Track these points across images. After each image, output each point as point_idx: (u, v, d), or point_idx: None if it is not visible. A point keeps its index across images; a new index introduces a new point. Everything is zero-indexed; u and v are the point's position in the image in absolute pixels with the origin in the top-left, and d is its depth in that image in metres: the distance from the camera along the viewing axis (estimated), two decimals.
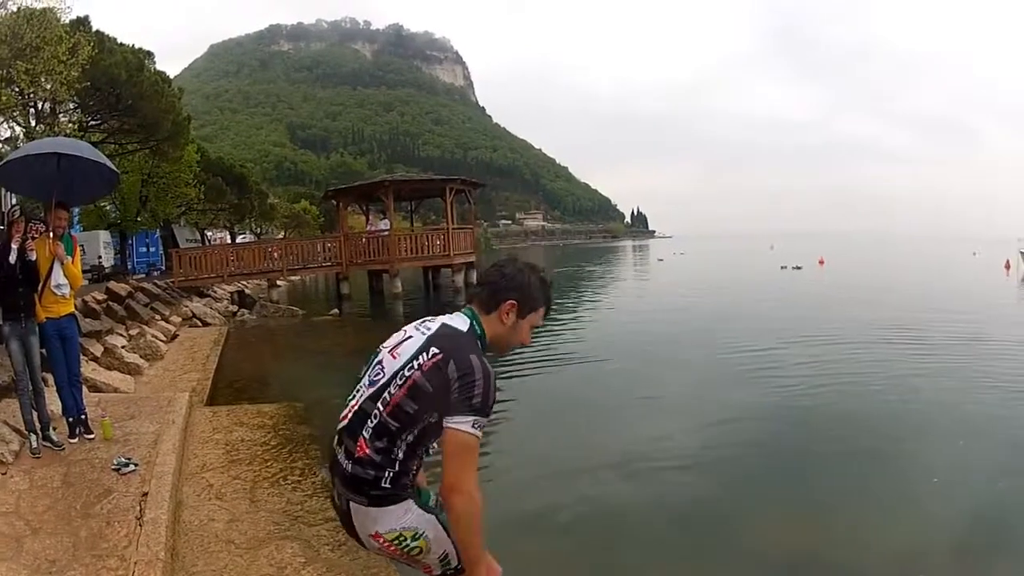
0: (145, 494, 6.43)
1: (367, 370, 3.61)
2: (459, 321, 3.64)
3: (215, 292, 34.06)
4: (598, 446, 10.49)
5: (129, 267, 34.15)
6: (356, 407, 3.50)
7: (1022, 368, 16.54)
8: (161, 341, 17.79)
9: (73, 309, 8.18)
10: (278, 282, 38.35)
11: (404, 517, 3.45)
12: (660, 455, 9.79)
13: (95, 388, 11.50)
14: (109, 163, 8.24)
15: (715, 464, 9.35)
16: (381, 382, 3.45)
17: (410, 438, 3.38)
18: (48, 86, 21.90)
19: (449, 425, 3.27)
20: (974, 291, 37.75)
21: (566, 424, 11.69)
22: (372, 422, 3.38)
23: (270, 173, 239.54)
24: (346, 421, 3.52)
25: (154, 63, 30.28)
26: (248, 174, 55.89)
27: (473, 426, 3.27)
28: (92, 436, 8.16)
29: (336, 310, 30.40)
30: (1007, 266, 50.20)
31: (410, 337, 3.57)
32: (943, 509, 8.04)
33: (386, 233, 36.82)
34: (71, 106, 25.06)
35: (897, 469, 9.48)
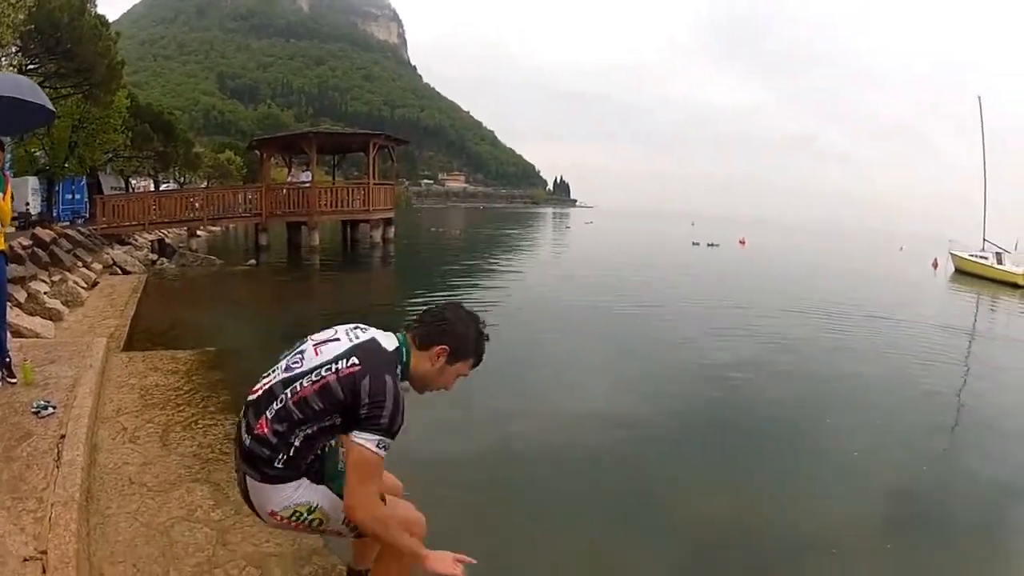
0: (63, 436, 6.51)
1: (288, 354, 3.76)
2: (389, 341, 3.74)
3: (136, 240, 33.58)
4: (516, 409, 10.66)
5: (55, 214, 33.62)
6: (267, 386, 3.63)
7: (935, 347, 17.32)
8: (82, 288, 17.73)
9: (3, 247, 8.17)
10: (198, 232, 38.05)
11: (295, 493, 3.63)
12: (576, 419, 10.09)
13: (18, 333, 11.50)
14: (48, 103, 8.24)
15: (633, 434, 9.56)
16: (296, 371, 3.58)
17: (309, 431, 3.53)
18: None
19: (355, 440, 3.42)
20: (897, 282, 38.58)
21: (483, 388, 11.76)
22: (277, 405, 3.51)
23: (198, 122, 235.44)
24: (254, 397, 3.66)
25: (95, 6, 29.87)
26: (176, 122, 55.04)
27: (378, 445, 3.41)
28: (15, 381, 8.17)
29: (253, 260, 30.41)
30: (935, 264, 51.11)
31: (337, 339, 3.69)
32: (861, 482, 8.44)
33: (307, 185, 36.81)
34: (13, 49, 24.69)
35: (814, 443, 9.90)
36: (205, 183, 69.53)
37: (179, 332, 14.62)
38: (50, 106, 8.32)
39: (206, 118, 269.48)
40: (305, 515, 3.67)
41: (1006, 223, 51.34)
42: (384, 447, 3.44)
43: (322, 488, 3.70)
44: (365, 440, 3.39)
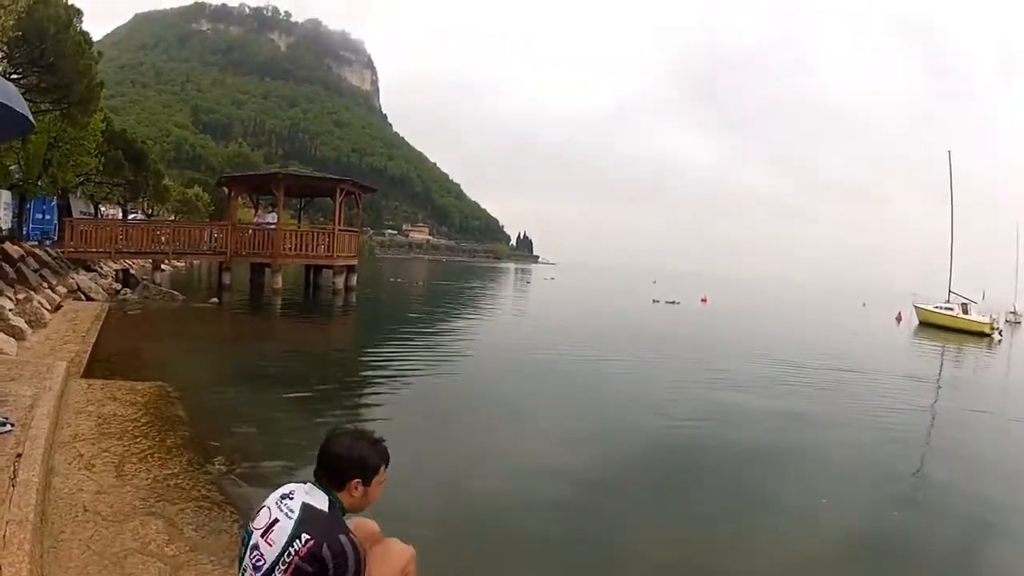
0: (19, 455, 6.44)
1: (245, 552, 3.91)
2: (319, 500, 3.94)
3: (101, 268, 33.23)
4: (474, 460, 10.72)
5: (24, 232, 33.36)
6: None
7: (899, 395, 17.58)
8: (46, 309, 17.59)
9: None
10: (163, 265, 37.83)
11: None
12: (535, 469, 10.06)
13: None
14: (28, 113, 8.16)
15: (594, 481, 9.59)
16: (264, 568, 3.75)
17: None
18: None
19: None
20: (860, 337, 39.03)
21: (440, 437, 11.85)
22: None
23: (169, 154, 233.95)
24: None
25: (81, 22, 29.70)
26: (148, 151, 54.78)
27: None
28: None
29: (216, 299, 30.19)
30: (898, 318, 51.79)
31: (277, 520, 3.86)
32: (828, 531, 8.52)
33: (273, 227, 36.61)
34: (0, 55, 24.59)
35: (778, 490, 10.01)
36: (173, 217, 69.30)
37: (139, 364, 14.54)
38: (31, 117, 8.27)
39: (177, 151, 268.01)
40: None
41: (969, 275, 52.26)
42: None
43: None
44: None
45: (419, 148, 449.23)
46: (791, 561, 7.55)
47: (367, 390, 15.64)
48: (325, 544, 3.68)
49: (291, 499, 3.93)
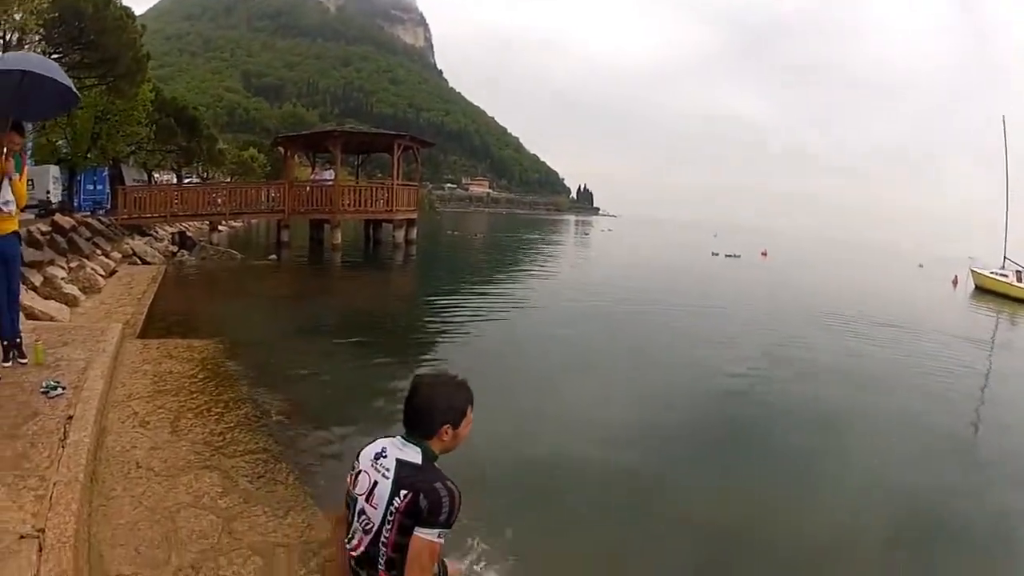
0: (70, 417, 6.42)
1: (353, 517, 3.98)
2: (411, 453, 3.94)
3: (157, 232, 33.40)
4: (536, 411, 10.61)
5: (76, 204, 33.45)
6: (361, 548, 3.90)
7: (956, 357, 17.24)
8: (100, 275, 17.70)
9: (17, 227, 8.08)
10: (220, 226, 37.98)
11: None
12: (587, 422, 9.91)
13: (32, 316, 11.49)
14: (72, 85, 8.12)
15: (645, 436, 9.48)
16: (374, 529, 3.83)
17: None
18: (18, 16, 21.66)
19: (418, 533, 3.67)
20: (918, 297, 38.51)
21: (493, 388, 11.68)
22: (382, 560, 3.80)
23: (222, 119, 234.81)
24: (356, 555, 3.94)
25: None
26: (200, 117, 54.77)
27: (438, 536, 3.68)
28: (25, 361, 8.11)
29: (274, 256, 30.50)
30: (955, 281, 50.94)
31: (376, 483, 3.90)
32: (879, 491, 8.35)
33: (330, 183, 36.70)
34: (36, 38, 24.61)
35: (836, 449, 9.84)
36: (228, 179, 69.46)
37: (196, 322, 14.55)
38: (74, 88, 8.23)
39: (230, 115, 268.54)
40: None
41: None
42: (443, 536, 3.74)
43: None
44: (426, 534, 3.69)
45: (476, 103, 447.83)
46: (841, 525, 7.36)
47: (425, 340, 15.73)
48: (422, 494, 3.71)
49: (384, 457, 3.98)
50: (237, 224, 46.71)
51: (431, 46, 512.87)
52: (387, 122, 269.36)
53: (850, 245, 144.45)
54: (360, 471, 4.01)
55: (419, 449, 3.94)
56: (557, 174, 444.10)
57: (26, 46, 23.82)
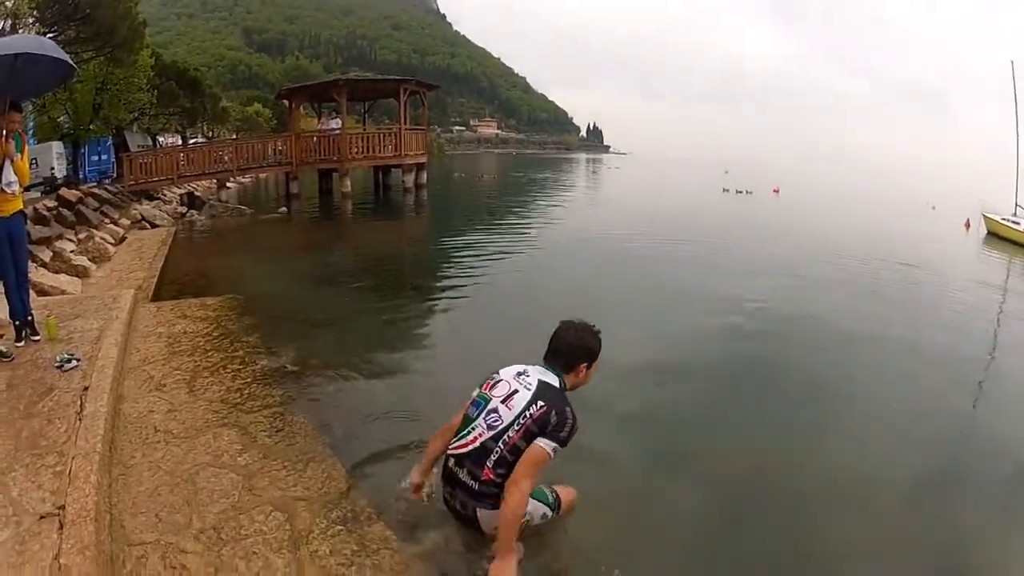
0: (86, 388, 6.48)
1: (479, 413, 4.94)
2: (551, 378, 5.03)
3: (165, 195, 33.26)
4: (539, 349, 10.59)
5: (81, 176, 33.44)
6: (477, 443, 4.82)
7: (970, 299, 17.18)
8: (109, 244, 17.69)
9: (21, 206, 8.11)
10: (228, 183, 37.95)
11: None
12: (612, 361, 9.84)
13: (43, 292, 11.57)
14: (67, 58, 8.09)
15: (659, 378, 9.41)
16: (500, 427, 4.78)
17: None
18: (9, 3, 21.65)
19: (539, 443, 4.69)
20: (930, 239, 38.32)
21: (506, 331, 11.74)
22: (494, 456, 4.75)
23: (224, 77, 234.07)
24: (466, 450, 4.87)
25: None
26: (202, 77, 54.51)
27: (554, 450, 4.70)
28: (38, 338, 8.17)
29: (284, 209, 30.33)
30: (967, 224, 50.73)
31: (516, 391, 4.90)
32: (897, 434, 8.25)
33: (337, 132, 36.56)
34: (30, 21, 24.57)
35: (850, 393, 9.69)
36: (234, 136, 69.31)
37: (209, 280, 14.55)
38: (70, 60, 8.21)
39: (233, 73, 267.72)
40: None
41: None
42: (557, 452, 4.75)
43: (535, 503, 5.05)
44: (546, 444, 4.70)
45: (481, 45, 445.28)
46: (855, 468, 7.22)
47: (438, 285, 15.68)
48: (554, 411, 4.74)
49: (527, 376, 5.04)
50: (245, 180, 46.75)
51: None
52: (392, 68, 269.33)
53: (863, 186, 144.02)
54: (500, 380, 5.09)
55: (557, 377, 5.06)
56: (566, 113, 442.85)
57: (20, 30, 23.78)
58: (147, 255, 16.55)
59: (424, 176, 41.68)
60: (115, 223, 21.23)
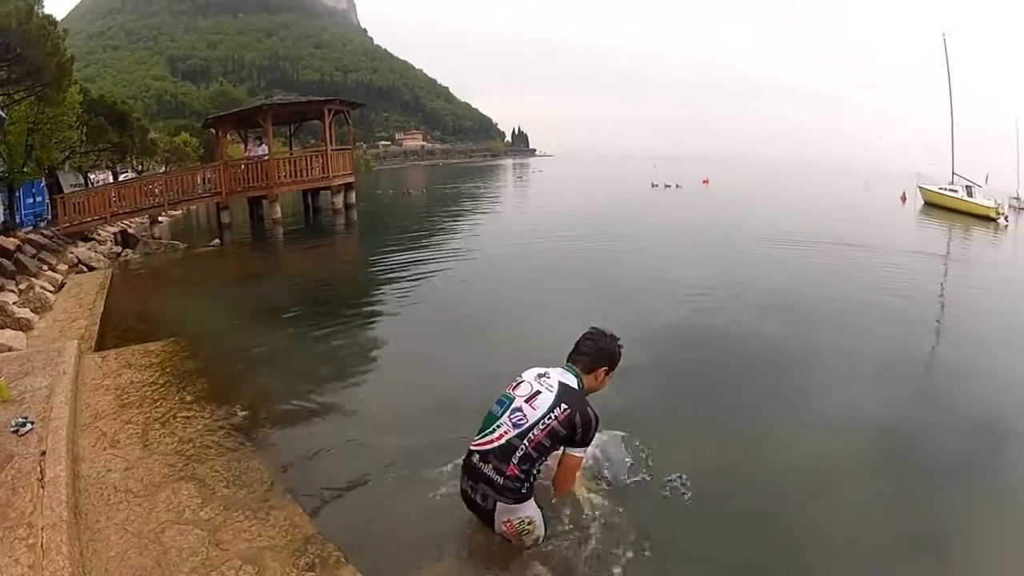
0: (43, 453, 6.51)
1: (503, 412, 5.36)
2: (570, 379, 5.50)
3: (99, 235, 32.83)
4: (486, 360, 10.76)
5: (18, 220, 33.10)
6: (503, 440, 5.23)
7: (911, 272, 17.61)
8: (50, 292, 17.43)
9: None
10: (160, 218, 37.52)
11: (529, 510, 5.29)
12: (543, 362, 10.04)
13: None
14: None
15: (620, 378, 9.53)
16: (525, 425, 5.22)
17: (540, 462, 5.25)
18: None
19: (570, 452, 5.36)
20: (866, 215, 38.95)
21: (451, 343, 12.18)
22: (519, 453, 5.16)
23: (151, 108, 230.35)
24: (492, 446, 5.25)
25: (42, 7, 29.26)
26: (129, 110, 53.61)
27: (584, 453, 5.47)
28: None
29: (217, 240, 30.16)
30: (903, 197, 51.59)
31: (539, 392, 5.36)
32: (846, 417, 8.60)
33: (265, 158, 36.43)
34: None
35: (797, 379, 10.18)
36: (163, 168, 68.62)
37: (149, 323, 14.44)
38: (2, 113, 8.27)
39: (159, 103, 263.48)
40: (526, 525, 5.31)
41: (974, 159, 52.13)
42: (585, 453, 5.50)
43: (537, 509, 5.38)
44: (577, 452, 5.39)
45: (403, 57, 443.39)
46: (806, 454, 7.58)
47: (378, 305, 15.86)
48: (578, 413, 5.23)
49: (548, 378, 5.48)
50: (176, 213, 46.28)
51: (353, 7, 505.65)
52: (315, 88, 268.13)
53: (799, 167, 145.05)
54: (522, 381, 5.52)
55: (576, 379, 5.53)
56: (490, 119, 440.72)
57: None
58: (87, 301, 16.37)
59: (353, 196, 41.47)
60: (53, 269, 20.89)
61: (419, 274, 18.67)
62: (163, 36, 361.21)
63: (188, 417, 8.26)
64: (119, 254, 26.60)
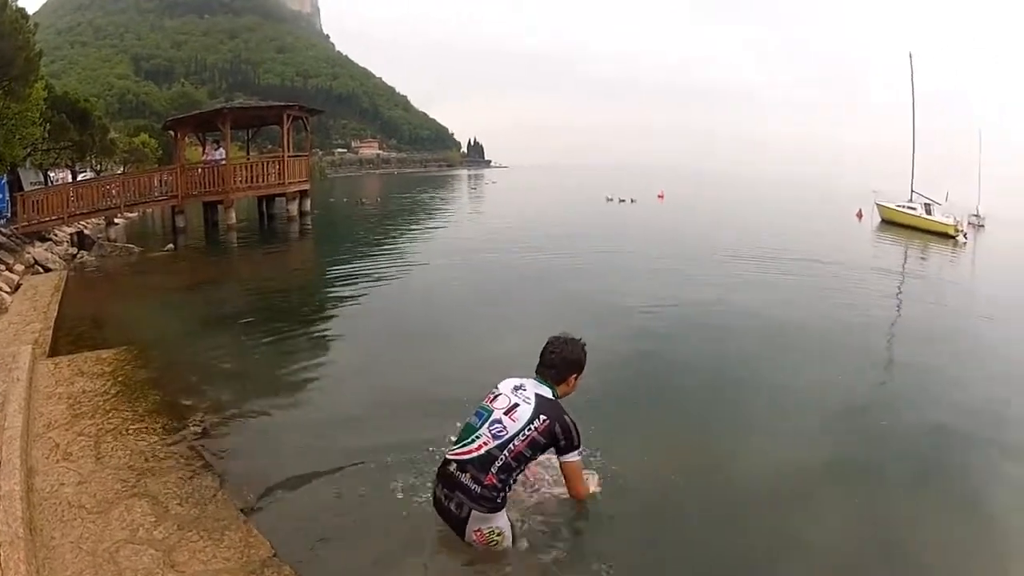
0: None
1: (481, 424, 5.55)
2: (545, 390, 5.74)
3: (56, 235, 32.21)
4: (442, 364, 11.19)
5: None
6: (482, 450, 5.42)
7: (867, 287, 17.84)
8: (6, 293, 17.31)
9: None
10: (116, 219, 37.18)
11: (500, 520, 5.48)
12: (499, 374, 9.99)
13: None
14: None
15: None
16: (505, 437, 5.43)
17: (516, 472, 5.51)
18: None
19: (566, 459, 5.67)
20: (821, 231, 39.32)
21: (401, 357, 12.11)
22: (499, 463, 5.36)
23: (112, 107, 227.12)
24: (470, 456, 5.43)
25: (16, 1, 28.90)
26: (91, 109, 53.05)
27: (577, 455, 5.70)
28: None
29: (171, 245, 29.98)
30: (859, 214, 52.02)
31: (517, 404, 5.57)
32: (804, 428, 8.87)
33: (222, 162, 36.35)
34: None
35: (755, 390, 10.35)
36: (121, 169, 67.89)
37: (103, 329, 14.38)
38: None
39: (121, 102, 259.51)
40: (495, 536, 5.46)
41: (935, 178, 52.80)
42: (580, 455, 5.75)
43: (507, 521, 5.58)
44: (571, 457, 5.67)
45: (365, 64, 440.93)
46: (757, 463, 7.74)
47: (332, 314, 16.00)
48: (557, 423, 5.50)
49: (524, 390, 5.70)
50: (132, 215, 45.90)
51: (317, 11, 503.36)
52: (276, 92, 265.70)
53: (759, 181, 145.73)
54: (500, 394, 5.71)
55: (550, 389, 5.78)
56: (447, 129, 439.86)
57: None
58: (41, 304, 16.21)
59: (308, 203, 41.87)
60: (10, 269, 20.73)
61: (372, 283, 18.88)
62: (129, 34, 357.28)
63: (140, 429, 8.15)
64: (75, 255, 26.33)
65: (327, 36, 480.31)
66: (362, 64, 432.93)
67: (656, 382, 10.64)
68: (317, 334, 13.95)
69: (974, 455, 8.23)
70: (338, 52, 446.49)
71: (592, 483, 6.25)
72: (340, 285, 19.11)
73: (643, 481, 7.04)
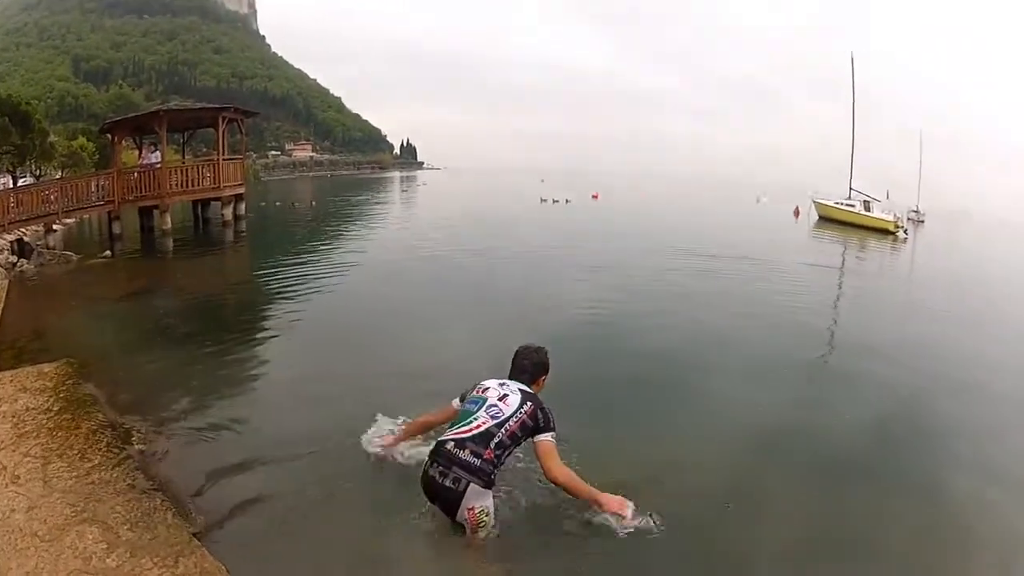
0: None
1: (478, 409, 6.31)
2: (525, 387, 6.63)
3: None
4: (383, 368, 11.35)
5: None
6: (481, 428, 6.12)
7: (804, 283, 18.09)
8: None
9: None
10: (55, 226, 36.78)
11: (489, 500, 6.03)
12: (441, 378, 9.81)
13: None
14: None
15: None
16: (502, 417, 6.20)
17: (508, 453, 6.21)
18: None
19: (542, 439, 6.27)
20: (759, 229, 39.65)
21: (342, 355, 12.60)
22: (496, 439, 6.06)
23: (52, 109, 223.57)
24: (470, 434, 6.10)
25: None
26: (33, 111, 52.52)
27: (553, 437, 6.32)
28: None
29: (108, 252, 29.41)
30: (796, 212, 52.59)
31: (507, 394, 6.42)
32: (745, 428, 9.06)
33: (157, 166, 35.99)
34: None
35: (695, 392, 10.57)
36: (60, 173, 66.92)
37: (43, 341, 14.09)
38: None
39: (60, 104, 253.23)
40: (484, 517, 5.98)
41: (872, 177, 53.46)
42: (556, 438, 6.35)
43: (493, 505, 6.10)
44: (548, 437, 6.29)
45: (300, 66, 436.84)
46: (697, 460, 8.04)
47: (271, 320, 16.02)
48: (539, 409, 6.38)
49: (508, 385, 6.59)
50: (70, 221, 45.35)
51: (255, 12, 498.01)
52: (211, 94, 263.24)
53: (694, 184, 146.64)
54: (489, 387, 6.57)
55: (527, 387, 6.67)
56: (380, 131, 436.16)
57: None
58: None
59: (243, 207, 41.47)
60: None
61: (310, 288, 19.00)
62: (71, 35, 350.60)
63: (84, 449, 8.05)
64: (15, 264, 25.96)
65: (263, 37, 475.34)
66: (297, 65, 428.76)
67: (594, 385, 10.67)
68: (257, 343, 13.92)
69: (913, 447, 8.69)
70: (274, 53, 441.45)
71: (628, 513, 6.37)
72: (277, 292, 19.04)
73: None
